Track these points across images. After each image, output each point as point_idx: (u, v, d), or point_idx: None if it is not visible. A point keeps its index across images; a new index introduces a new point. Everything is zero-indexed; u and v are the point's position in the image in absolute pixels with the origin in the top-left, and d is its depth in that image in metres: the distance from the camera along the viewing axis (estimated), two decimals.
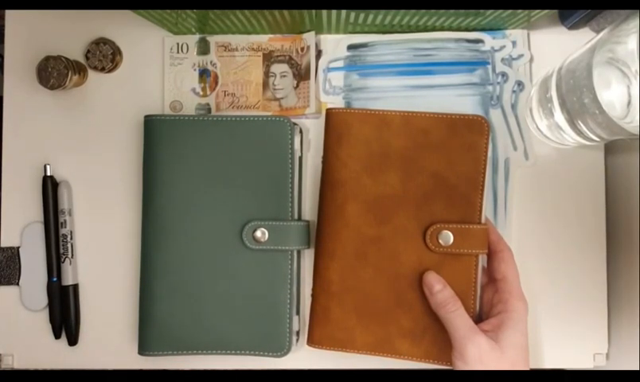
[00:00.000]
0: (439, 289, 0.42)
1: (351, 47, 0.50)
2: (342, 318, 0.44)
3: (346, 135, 0.45)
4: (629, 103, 0.37)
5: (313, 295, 0.46)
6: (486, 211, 0.50)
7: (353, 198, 0.44)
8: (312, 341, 0.46)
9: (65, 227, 0.49)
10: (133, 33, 0.51)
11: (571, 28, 0.50)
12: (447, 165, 0.44)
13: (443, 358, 0.43)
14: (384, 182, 0.44)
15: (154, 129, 0.48)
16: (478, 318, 0.44)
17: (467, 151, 0.44)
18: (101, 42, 0.50)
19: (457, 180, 0.43)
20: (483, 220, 0.44)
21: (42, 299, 0.50)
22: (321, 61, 0.50)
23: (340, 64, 0.50)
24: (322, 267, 0.45)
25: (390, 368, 0.48)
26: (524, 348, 0.41)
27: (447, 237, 0.43)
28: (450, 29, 0.50)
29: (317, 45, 0.51)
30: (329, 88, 0.50)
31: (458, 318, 0.41)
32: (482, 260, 0.45)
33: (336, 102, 0.50)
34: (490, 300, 0.44)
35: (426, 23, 0.48)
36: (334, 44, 0.51)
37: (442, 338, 0.43)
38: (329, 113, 0.46)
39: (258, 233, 0.47)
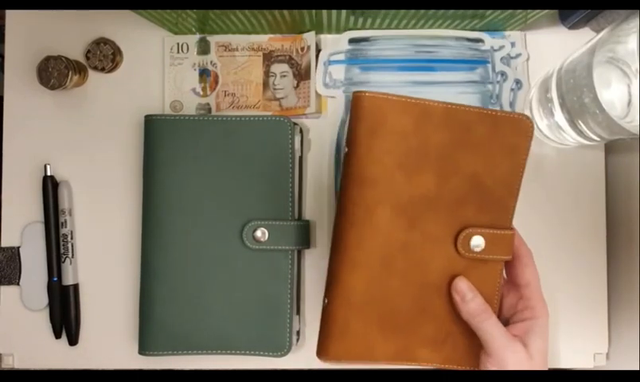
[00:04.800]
0: (471, 297, 0.40)
1: (352, 40, 0.50)
2: (363, 332, 0.40)
3: (382, 126, 0.39)
4: (629, 102, 0.37)
5: (328, 306, 0.41)
6: None
7: (385, 200, 0.39)
8: (327, 356, 0.41)
9: (65, 227, 0.49)
10: (133, 33, 0.51)
11: (571, 28, 0.50)
12: (485, 167, 0.40)
13: (464, 362, 0.42)
14: (419, 182, 0.40)
15: (154, 129, 0.48)
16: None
17: (508, 153, 0.41)
18: (101, 42, 0.50)
19: (493, 183, 0.41)
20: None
21: (42, 299, 0.50)
22: (321, 54, 0.50)
23: (341, 57, 0.50)
24: (344, 276, 0.40)
25: (391, 368, 0.47)
26: (546, 353, 0.40)
27: (479, 242, 0.41)
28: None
29: (317, 45, 0.51)
30: (330, 81, 0.50)
31: (494, 327, 0.40)
32: None
33: (336, 95, 0.50)
34: (514, 305, 0.42)
35: (423, 27, 0.49)
36: (335, 41, 0.51)
37: (463, 343, 0.42)
38: (361, 97, 0.39)
39: (258, 233, 0.47)
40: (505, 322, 0.42)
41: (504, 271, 0.42)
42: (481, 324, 0.40)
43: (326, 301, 0.41)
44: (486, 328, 0.40)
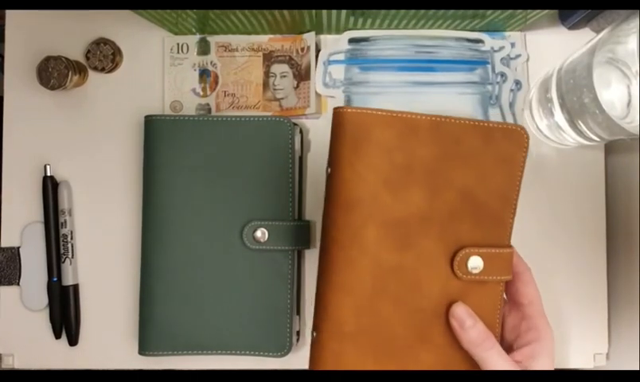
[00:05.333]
0: (471, 324, 0.37)
1: (352, 40, 0.50)
2: (357, 363, 0.37)
3: (365, 142, 0.37)
4: (629, 103, 0.37)
5: (317, 339, 0.37)
6: None
7: (372, 220, 0.37)
8: None
9: (65, 227, 0.49)
10: (133, 33, 0.51)
11: (571, 28, 0.50)
12: (478, 180, 0.38)
13: None
14: (407, 200, 0.37)
15: (154, 129, 0.48)
16: (501, 344, 0.39)
17: (502, 164, 0.38)
18: (101, 42, 0.50)
19: (487, 196, 0.38)
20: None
21: (42, 299, 0.50)
22: (321, 54, 0.50)
23: (341, 57, 0.50)
24: (333, 304, 0.37)
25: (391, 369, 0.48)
26: None
27: (477, 263, 0.38)
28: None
29: (317, 45, 0.51)
30: (329, 81, 0.50)
31: (498, 358, 0.37)
32: None
33: (335, 95, 0.50)
34: (517, 327, 0.39)
35: (423, 27, 0.49)
36: (335, 41, 0.51)
37: (465, 369, 0.39)
38: (342, 113, 0.37)
39: (258, 233, 0.47)
40: (509, 346, 0.39)
41: (504, 292, 0.40)
42: (484, 353, 0.37)
43: (315, 334, 0.37)
44: (488, 358, 0.37)
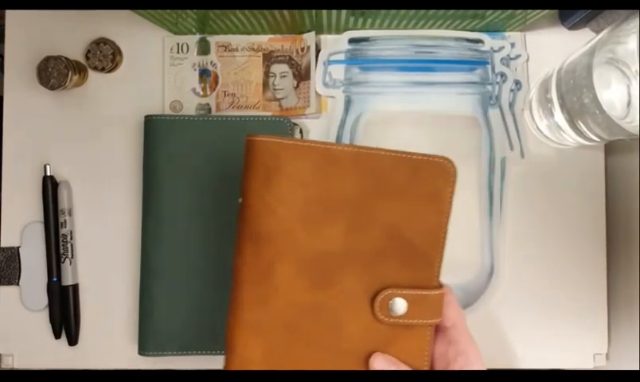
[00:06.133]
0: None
1: (352, 40, 0.50)
2: None
3: (277, 174, 0.35)
4: (629, 103, 0.37)
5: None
6: (482, 211, 0.50)
7: (284, 257, 0.35)
8: None
9: (65, 227, 0.49)
10: (133, 33, 0.51)
11: (571, 28, 0.50)
12: (404, 217, 0.35)
13: None
14: (325, 236, 0.35)
15: (154, 129, 0.48)
16: None
17: (429, 201, 0.36)
18: (101, 42, 0.50)
19: (414, 235, 0.35)
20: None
21: (42, 299, 0.50)
22: (321, 53, 0.50)
23: (341, 56, 0.50)
24: (241, 344, 0.35)
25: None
26: None
27: (400, 305, 0.35)
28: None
29: (317, 45, 0.51)
30: (329, 81, 0.50)
31: None
32: None
33: (335, 95, 0.50)
34: (444, 354, 0.37)
35: (423, 27, 0.49)
36: (335, 41, 0.51)
37: None
38: (252, 142, 0.35)
39: None
40: None
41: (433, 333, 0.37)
42: None
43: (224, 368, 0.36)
44: None
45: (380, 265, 0.35)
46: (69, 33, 0.51)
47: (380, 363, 0.35)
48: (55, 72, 0.48)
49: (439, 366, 0.37)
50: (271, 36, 0.51)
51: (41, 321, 0.50)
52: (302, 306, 0.35)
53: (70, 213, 0.50)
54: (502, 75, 0.50)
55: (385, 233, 0.35)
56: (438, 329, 0.37)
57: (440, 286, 0.36)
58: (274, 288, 0.35)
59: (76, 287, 0.50)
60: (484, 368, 0.36)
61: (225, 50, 0.51)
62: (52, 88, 0.48)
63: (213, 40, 0.51)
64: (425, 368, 0.36)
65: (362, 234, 0.35)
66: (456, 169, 0.36)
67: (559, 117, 0.45)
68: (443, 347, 0.37)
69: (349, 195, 0.35)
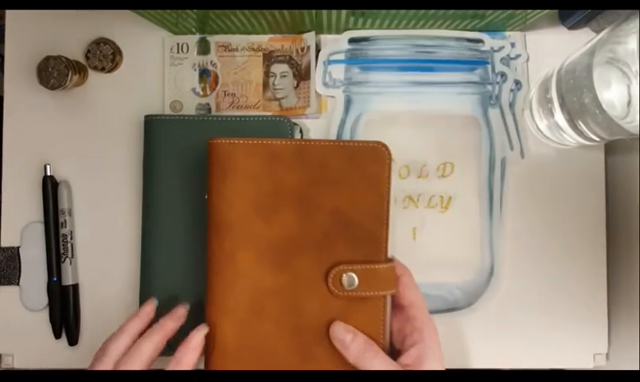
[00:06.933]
0: (351, 339, 0.38)
1: (352, 40, 0.50)
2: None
3: (231, 170, 0.39)
4: (629, 102, 0.37)
5: (207, 357, 0.41)
6: (482, 210, 0.50)
7: (243, 244, 0.39)
8: None
9: (65, 227, 0.49)
10: (133, 33, 0.51)
11: (571, 28, 0.50)
12: (348, 201, 0.39)
13: None
14: (279, 224, 0.39)
15: (154, 129, 0.48)
16: (391, 350, 0.40)
17: (369, 184, 0.39)
18: (101, 42, 0.50)
19: (359, 216, 0.39)
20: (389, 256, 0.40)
21: (42, 299, 0.50)
22: (321, 53, 0.50)
23: (341, 56, 0.50)
24: (214, 323, 0.40)
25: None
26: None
27: (351, 280, 0.39)
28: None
29: (317, 45, 0.51)
30: (329, 81, 0.50)
31: (380, 365, 0.37)
32: None
33: (335, 95, 0.50)
34: (401, 329, 0.40)
35: (423, 27, 0.49)
36: (335, 41, 0.51)
37: None
38: (211, 144, 0.40)
39: None
40: (398, 350, 0.40)
41: (389, 304, 0.40)
42: (368, 363, 0.38)
43: (204, 355, 0.41)
44: (374, 367, 0.37)
45: (332, 246, 0.39)
46: (69, 33, 0.51)
47: (339, 328, 0.39)
48: (55, 72, 0.48)
49: (397, 341, 0.40)
50: (271, 36, 0.51)
51: (41, 321, 0.50)
52: (265, 288, 0.39)
53: (70, 213, 0.50)
54: (502, 75, 0.50)
55: (332, 216, 0.39)
56: (397, 308, 0.41)
57: (389, 260, 0.40)
58: (237, 273, 0.39)
59: (76, 287, 0.50)
60: (437, 345, 0.39)
61: (225, 50, 0.51)
62: (52, 88, 0.48)
63: (213, 40, 0.51)
64: (382, 338, 0.39)
65: (312, 219, 0.39)
66: (390, 153, 0.40)
67: (559, 117, 0.45)
68: (401, 323, 0.40)
69: (296, 184, 0.39)
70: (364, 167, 0.40)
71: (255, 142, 0.40)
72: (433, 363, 0.38)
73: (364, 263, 0.39)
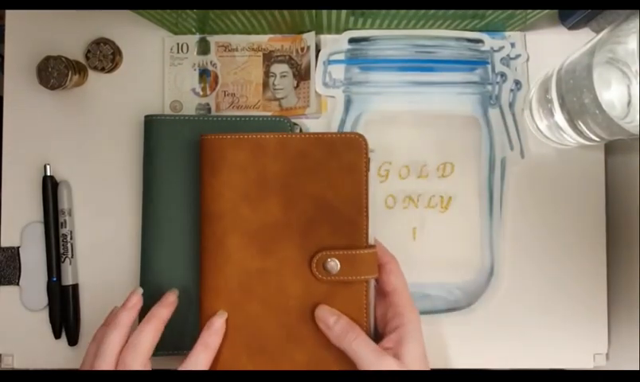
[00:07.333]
0: (335, 320, 0.40)
1: (352, 40, 0.50)
2: (232, 358, 0.42)
3: (220, 163, 0.42)
4: (629, 102, 0.37)
5: (198, 335, 0.43)
6: (482, 210, 0.50)
7: (232, 230, 0.42)
8: None
9: (65, 227, 0.49)
10: (133, 33, 0.51)
11: (571, 28, 0.50)
12: (329, 189, 0.42)
13: None
14: (265, 211, 0.42)
15: (154, 129, 0.48)
16: (375, 335, 0.42)
17: (347, 173, 0.42)
18: (101, 42, 0.50)
19: (340, 203, 0.42)
20: (371, 242, 0.42)
21: (42, 299, 0.50)
22: (321, 53, 0.50)
23: (341, 56, 0.50)
24: (207, 305, 0.42)
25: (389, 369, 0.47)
26: (424, 356, 0.40)
27: (334, 265, 0.41)
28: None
29: (317, 45, 0.51)
30: (329, 81, 0.50)
31: (362, 346, 0.39)
32: None
33: (335, 95, 0.50)
34: (384, 315, 0.42)
35: (423, 27, 0.49)
36: (335, 41, 0.51)
37: (339, 368, 0.41)
38: (202, 140, 0.43)
39: None
40: (380, 335, 0.41)
41: (372, 289, 0.42)
42: (350, 344, 0.39)
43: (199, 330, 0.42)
44: (355, 348, 0.39)
45: (315, 232, 0.42)
46: (69, 33, 0.51)
47: (323, 310, 0.41)
48: (55, 72, 0.48)
49: (380, 325, 0.42)
50: (271, 36, 0.51)
51: (41, 321, 0.50)
52: (252, 271, 0.42)
53: (70, 213, 0.50)
54: (502, 75, 0.50)
55: (315, 204, 0.42)
56: (381, 294, 0.42)
57: (371, 246, 0.42)
58: (227, 257, 0.42)
59: (75, 287, 0.50)
60: (418, 329, 0.40)
61: (225, 50, 0.51)
62: (52, 88, 0.48)
63: (213, 40, 0.51)
64: (364, 321, 0.41)
65: (296, 206, 0.42)
66: (367, 142, 0.42)
67: (559, 117, 0.45)
68: (384, 309, 0.42)
69: (280, 174, 0.42)
70: (341, 157, 0.42)
71: (242, 136, 0.43)
72: (412, 345, 0.39)
73: (345, 248, 0.41)
